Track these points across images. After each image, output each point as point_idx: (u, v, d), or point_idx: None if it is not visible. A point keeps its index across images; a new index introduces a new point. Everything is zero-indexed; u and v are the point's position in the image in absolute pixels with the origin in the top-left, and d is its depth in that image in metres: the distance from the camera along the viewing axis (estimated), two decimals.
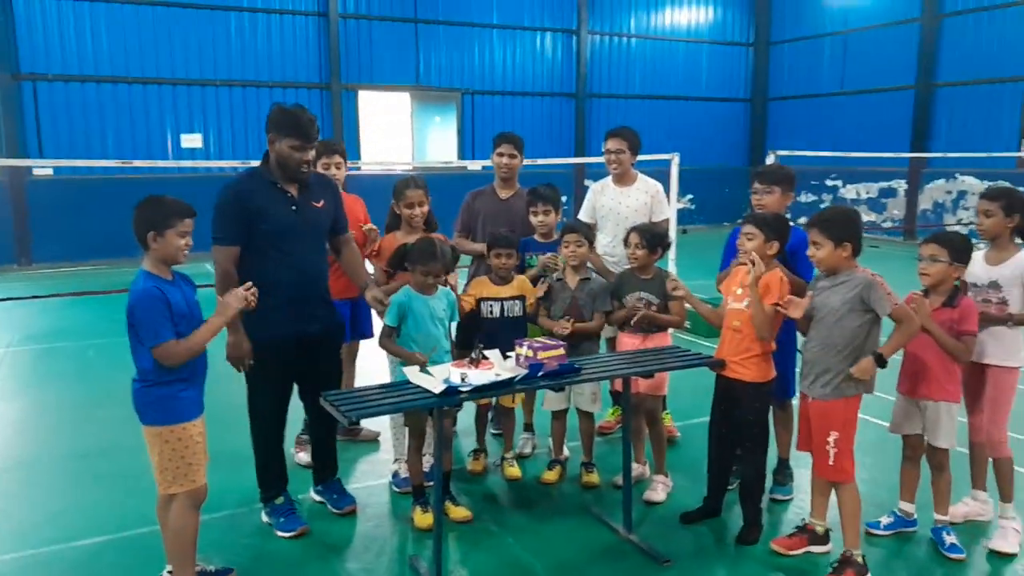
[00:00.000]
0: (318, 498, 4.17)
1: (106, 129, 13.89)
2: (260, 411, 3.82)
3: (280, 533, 3.81)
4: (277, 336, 3.63)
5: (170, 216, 3.03)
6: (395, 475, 4.41)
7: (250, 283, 3.19)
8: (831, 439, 3.41)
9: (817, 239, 3.39)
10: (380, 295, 3.86)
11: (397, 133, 16.46)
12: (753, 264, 3.51)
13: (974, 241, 3.70)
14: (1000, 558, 3.62)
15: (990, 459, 3.80)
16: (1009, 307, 3.61)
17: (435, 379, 3.29)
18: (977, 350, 3.61)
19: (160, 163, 12.48)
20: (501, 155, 4.89)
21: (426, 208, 4.34)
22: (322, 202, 3.79)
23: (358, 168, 13.24)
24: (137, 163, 10.54)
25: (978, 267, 3.71)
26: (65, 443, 5.16)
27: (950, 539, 3.66)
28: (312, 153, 3.66)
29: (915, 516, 3.85)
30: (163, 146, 14.29)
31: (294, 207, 3.65)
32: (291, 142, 3.54)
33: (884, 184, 17.13)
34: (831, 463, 3.43)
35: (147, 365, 3.02)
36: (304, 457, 4.57)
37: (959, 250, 3.52)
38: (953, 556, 3.60)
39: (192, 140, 14.47)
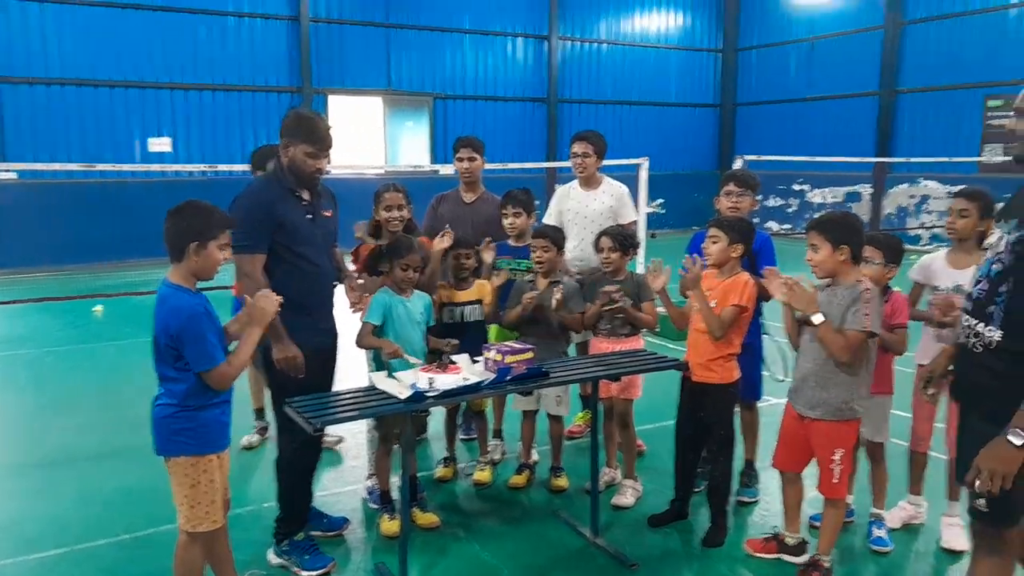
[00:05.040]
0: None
1: (71, 133, 13.58)
2: (299, 432, 3.17)
3: (306, 573, 3.50)
4: (304, 349, 3.41)
5: (215, 226, 2.81)
6: (371, 492, 4.27)
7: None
8: (837, 456, 3.33)
9: (815, 241, 3.28)
10: (356, 285, 3.79)
11: (369, 138, 16.36)
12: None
13: (935, 244, 3.75)
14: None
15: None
16: None
17: (402, 384, 3.27)
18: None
19: (126, 167, 12.26)
20: (461, 159, 4.94)
21: (405, 213, 4.26)
22: (330, 212, 3.69)
23: (328, 172, 13.08)
24: (102, 167, 10.32)
25: (941, 271, 3.72)
26: (23, 452, 5.04)
27: (879, 532, 3.74)
28: (326, 161, 3.52)
29: (852, 507, 3.91)
30: (130, 150, 14.03)
31: (309, 215, 3.53)
32: (307, 148, 3.40)
33: (850, 188, 17.36)
34: (835, 480, 3.35)
35: (185, 388, 2.78)
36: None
37: (895, 251, 3.63)
38: (877, 548, 3.70)
39: (160, 144, 14.23)
